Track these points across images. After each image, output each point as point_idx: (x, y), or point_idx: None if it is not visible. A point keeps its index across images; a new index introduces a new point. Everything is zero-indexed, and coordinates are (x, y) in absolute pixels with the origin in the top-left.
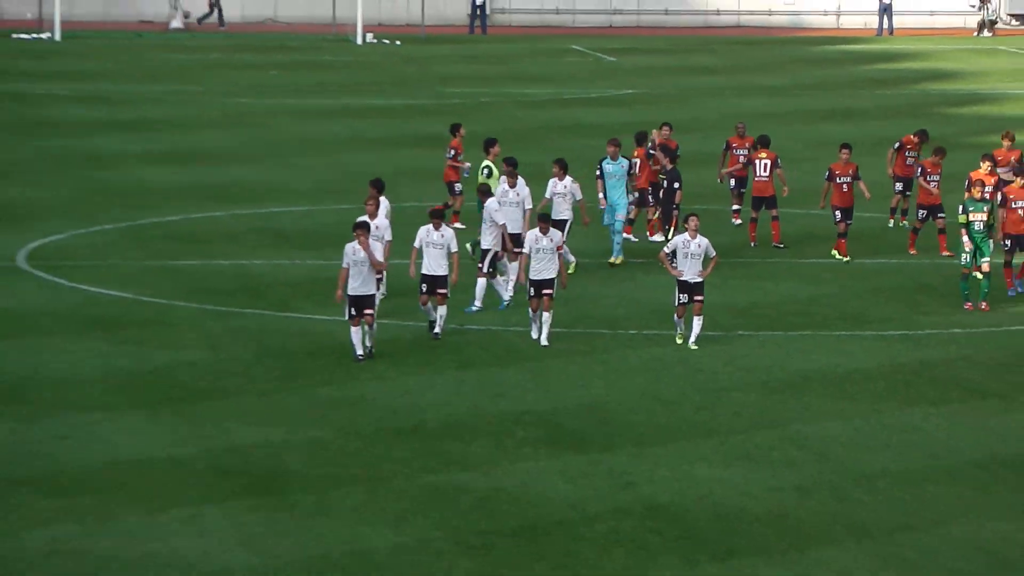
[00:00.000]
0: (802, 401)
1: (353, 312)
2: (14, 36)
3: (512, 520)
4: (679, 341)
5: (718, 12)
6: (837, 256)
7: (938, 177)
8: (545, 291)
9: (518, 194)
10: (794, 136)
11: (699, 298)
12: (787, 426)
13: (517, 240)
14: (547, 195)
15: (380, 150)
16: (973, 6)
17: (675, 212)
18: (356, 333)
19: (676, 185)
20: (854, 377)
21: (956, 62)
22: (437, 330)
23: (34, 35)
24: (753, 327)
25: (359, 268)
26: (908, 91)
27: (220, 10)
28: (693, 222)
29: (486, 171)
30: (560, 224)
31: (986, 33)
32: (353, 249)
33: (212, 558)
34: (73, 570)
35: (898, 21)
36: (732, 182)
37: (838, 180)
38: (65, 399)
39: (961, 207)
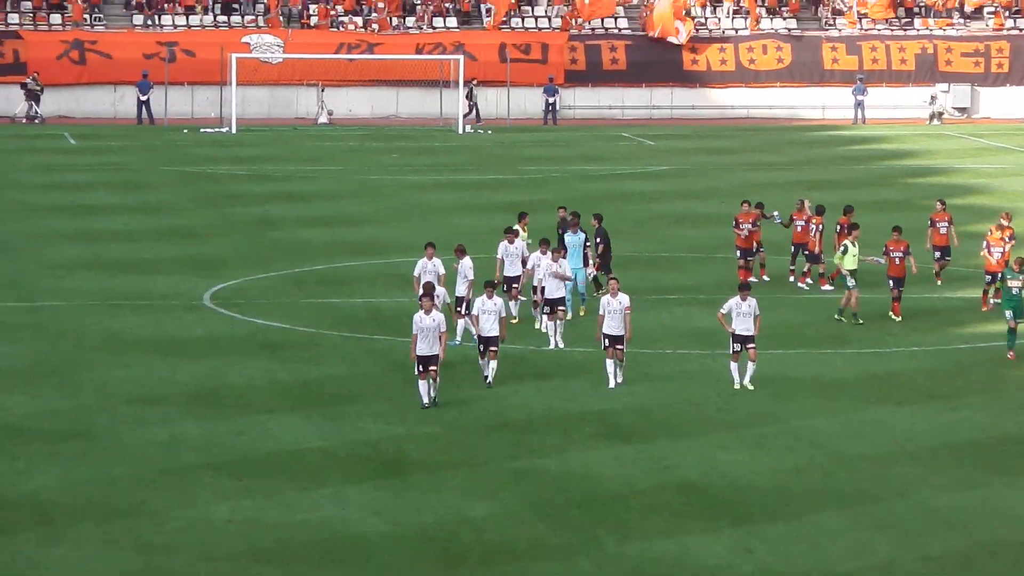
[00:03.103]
0: (798, 402)
1: (420, 368)
2: (202, 130)
3: (578, 494)
4: (737, 387)
5: (732, 107)
6: (893, 317)
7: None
8: (618, 345)
9: (561, 266)
10: (788, 201)
11: (751, 347)
12: (787, 421)
13: (561, 301)
14: (499, 256)
15: (476, 214)
16: (926, 101)
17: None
18: (423, 385)
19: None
20: (837, 384)
21: (913, 144)
22: (490, 380)
23: (217, 129)
24: (761, 347)
25: (425, 333)
26: (876, 166)
27: (477, 109)
28: (746, 292)
29: (843, 249)
30: (515, 279)
31: (936, 122)
32: (420, 318)
33: (352, 524)
34: (247, 534)
35: (869, 113)
36: (792, 248)
37: (891, 254)
38: (240, 404)
39: (1000, 275)
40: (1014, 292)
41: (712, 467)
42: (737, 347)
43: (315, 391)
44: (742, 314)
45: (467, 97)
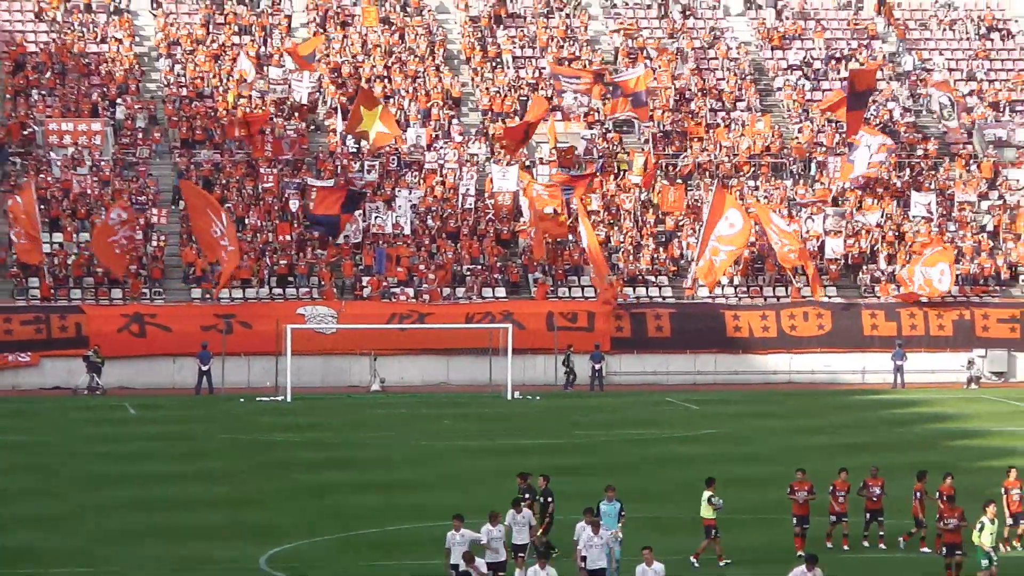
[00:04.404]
0: None
1: None
2: (258, 399)
3: None
4: None
5: (775, 372)
6: None
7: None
8: None
9: (601, 537)
10: (830, 462)
11: None
12: None
13: (603, 573)
14: (507, 522)
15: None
16: (963, 366)
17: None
18: None
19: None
20: None
21: (951, 407)
22: None
23: (272, 398)
24: None
25: None
26: (916, 429)
27: (574, 374)
28: (812, 564)
29: (979, 527)
30: (521, 547)
31: (973, 386)
32: None
33: None
34: None
35: (908, 377)
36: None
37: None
38: None
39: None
40: None
41: None
42: None
43: None
44: None
45: (564, 363)
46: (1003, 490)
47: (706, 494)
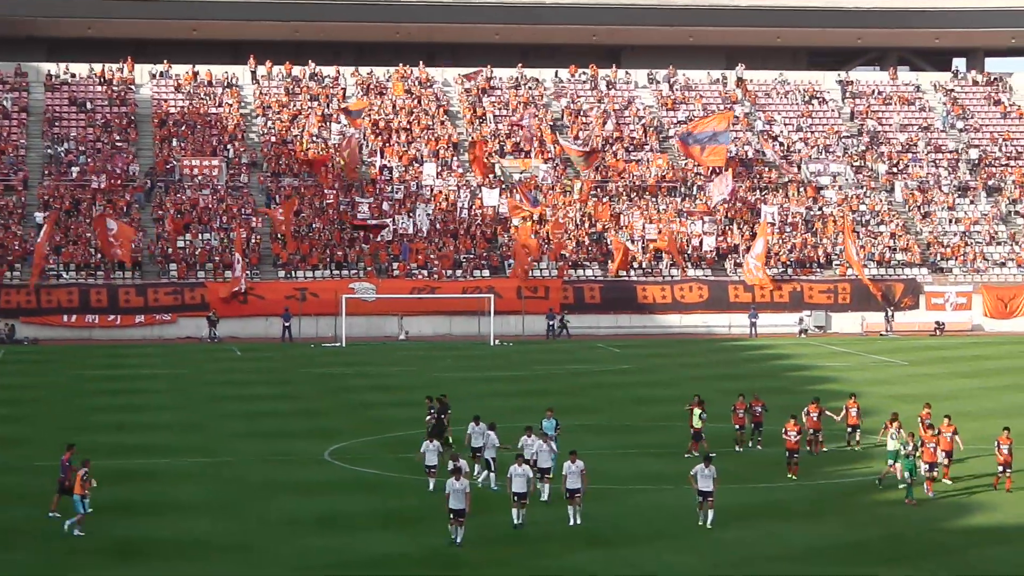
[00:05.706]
0: (725, 521)
1: (451, 517)
2: (323, 345)
3: None
4: (700, 524)
5: (670, 326)
6: (791, 477)
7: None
8: (576, 495)
9: (542, 445)
10: (707, 388)
11: (711, 499)
12: (712, 534)
13: (548, 470)
14: (468, 432)
15: (504, 398)
16: (796, 323)
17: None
18: (452, 529)
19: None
20: (745, 507)
21: (789, 350)
22: (520, 524)
23: (333, 344)
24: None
25: (456, 495)
26: (764, 364)
27: (567, 328)
28: (708, 462)
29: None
30: (478, 450)
31: (803, 336)
32: (451, 483)
33: None
34: None
35: (760, 330)
36: (739, 427)
37: (788, 434)
38: (349, 523)
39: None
40: (909, 458)
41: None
42: (701, 499)
43: (396, 515)
44: (705, 476)
45: (560, 322)
46: (844, 407)
47: (697, 411)
